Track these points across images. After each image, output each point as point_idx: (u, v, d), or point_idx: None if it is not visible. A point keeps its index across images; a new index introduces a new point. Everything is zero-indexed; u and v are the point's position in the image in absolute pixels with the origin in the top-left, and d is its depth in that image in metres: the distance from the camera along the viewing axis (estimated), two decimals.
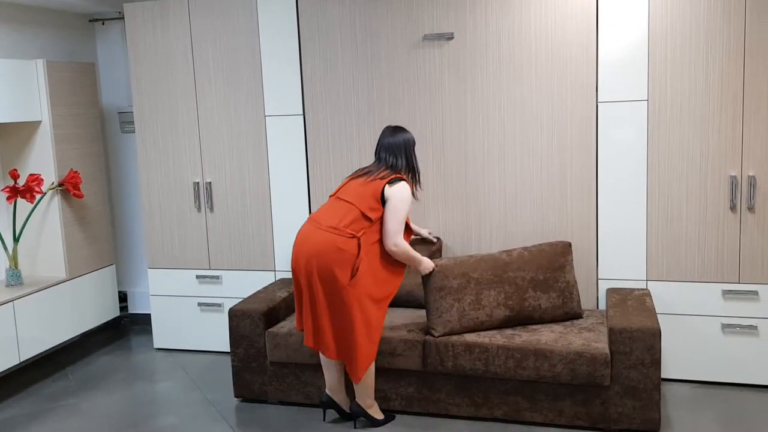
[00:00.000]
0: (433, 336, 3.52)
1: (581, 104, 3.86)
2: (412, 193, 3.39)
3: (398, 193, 3.30)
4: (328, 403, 3.58)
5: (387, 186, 3.31)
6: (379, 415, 3.54)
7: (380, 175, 3.36)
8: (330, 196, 3.51)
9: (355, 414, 3.51)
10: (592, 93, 3.84)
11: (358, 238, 3.28)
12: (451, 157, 4.09)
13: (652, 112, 3.76)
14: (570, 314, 3.68)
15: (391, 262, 3.40)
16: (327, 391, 3.57)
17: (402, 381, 3.63)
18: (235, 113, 4.43)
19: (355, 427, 3.52)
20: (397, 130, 3.48)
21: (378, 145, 3.47)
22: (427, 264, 3.51)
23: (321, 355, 3.51)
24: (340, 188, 3.46)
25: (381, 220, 3.33)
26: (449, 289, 3.54)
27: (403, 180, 3.37)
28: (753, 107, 3.63)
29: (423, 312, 3.82)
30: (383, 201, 3.31)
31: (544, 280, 3.62)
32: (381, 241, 3.36)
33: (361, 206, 3.30)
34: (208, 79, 4.44)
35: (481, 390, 3.52)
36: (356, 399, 3.51)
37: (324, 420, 3.61)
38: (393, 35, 4.09)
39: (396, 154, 3.41)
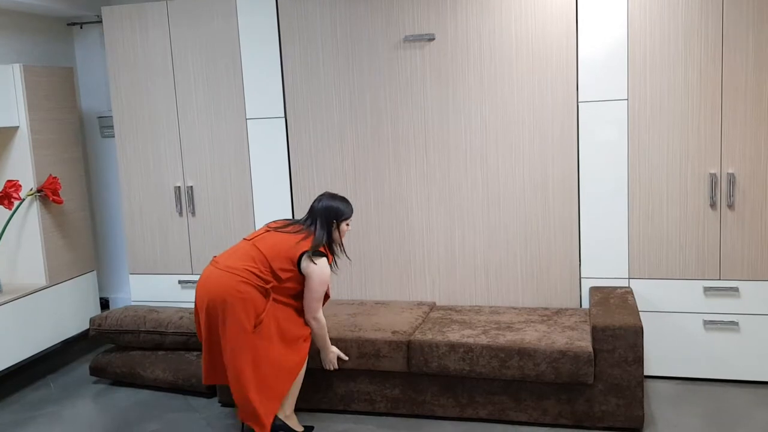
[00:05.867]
0: None
1: (562, 104, 3.88)
2: (330, 266, 3.38)
3: (319, 272, 3.27)
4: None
5: (307, 258, 3.26)
6: (298, 428, 3.43)
7: (301, 241, 3.30)
8: (243, 239, 3.47)
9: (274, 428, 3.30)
10: (572, 93, 3.86)
11: (266, 290, 3.23)
12: (433, 157, 4.09)
13: (632, 112, 3.79)
14: None
15: (300, 325, 3.39)
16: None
17: (387, 383, 3.62)
18: (215, 116, 4.40)
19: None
20: (334, 198, 3.42)
21: (311, 207, 3.43)
22: (331, 357, 3.54)
23: None
24: (257, 235, 3.41)
25: (293, 283, 3.30)
26: None
27: (325, 256, 3.32)
28: (731, 105, 3.66)
29: (411, 312, 3.82)
30: (299, 267, 3.28)
31: None
32: (293, 305, 3.36)
33: (273, 262, 3.25)
34: (188, 82, 4.41)
35: (465, 390, 3.53)
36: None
37: None
38: (374, 36, 4.08)
39: (321, 224, 3.35)
